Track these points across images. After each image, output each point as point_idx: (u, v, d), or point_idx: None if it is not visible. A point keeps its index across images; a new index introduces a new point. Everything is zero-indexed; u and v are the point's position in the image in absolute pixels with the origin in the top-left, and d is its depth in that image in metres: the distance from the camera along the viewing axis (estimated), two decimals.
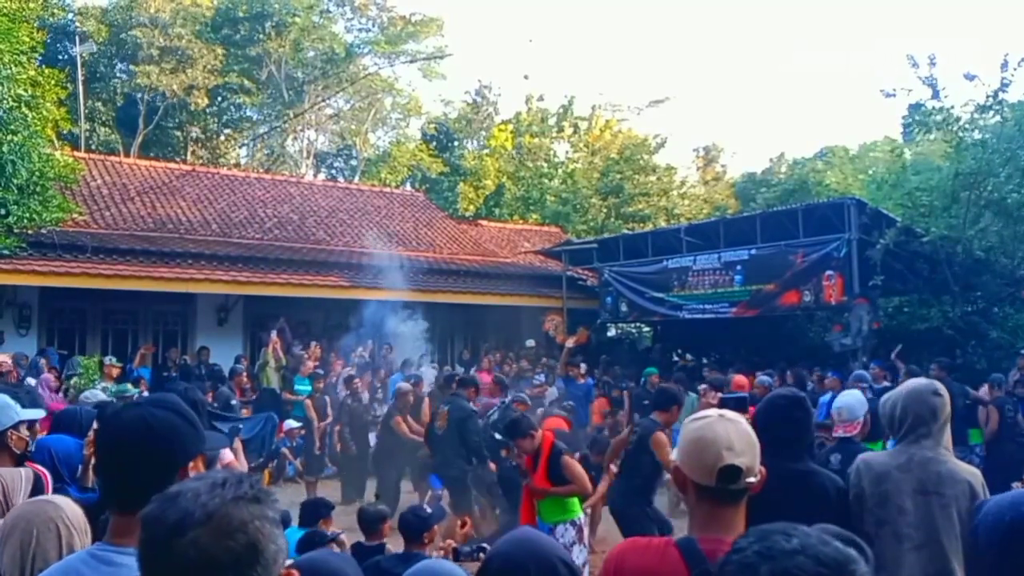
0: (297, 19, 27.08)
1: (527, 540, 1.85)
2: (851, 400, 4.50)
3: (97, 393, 5.84)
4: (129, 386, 8.71)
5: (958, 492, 2.87)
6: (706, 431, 1.91)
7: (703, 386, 10.58)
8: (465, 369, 13.61)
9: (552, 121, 33.58)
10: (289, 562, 1.23)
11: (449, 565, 2.14)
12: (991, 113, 12.99)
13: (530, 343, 15.28)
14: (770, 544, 1.17)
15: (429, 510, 3.99)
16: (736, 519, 1.87)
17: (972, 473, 2.97)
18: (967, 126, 13.08)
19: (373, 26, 31.48)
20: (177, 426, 1.70)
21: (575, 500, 5.51)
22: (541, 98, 33.88)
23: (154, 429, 1.66)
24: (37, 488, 2.58)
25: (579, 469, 5.47)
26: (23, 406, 3.03)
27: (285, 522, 4.13)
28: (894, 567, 2.88)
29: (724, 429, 1.92)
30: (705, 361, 14.90)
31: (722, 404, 4.49)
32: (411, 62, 30.82)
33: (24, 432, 2.88)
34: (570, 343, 13.79)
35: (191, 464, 1.69)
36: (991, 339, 11.73)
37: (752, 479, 1.87)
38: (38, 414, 3.01)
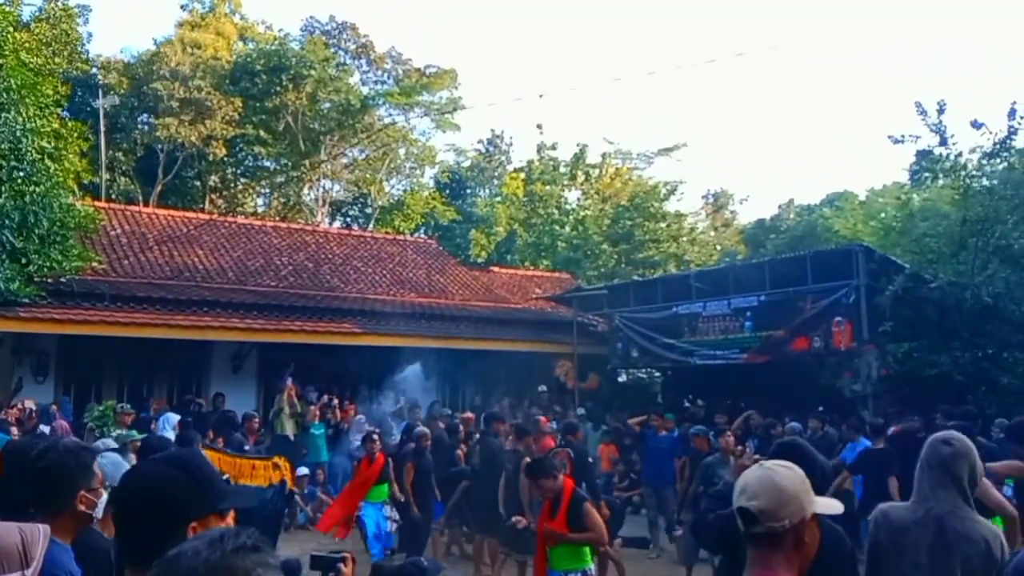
0: (313, 72, 27.70)
1: None
2: None
3: (108, 442, 5.91)
4: (135, 433, 8.75)
5: (972, 552, 2.84)
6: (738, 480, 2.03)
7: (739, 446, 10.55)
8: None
9: (563, 169, 34.01)
10: None
11: None
12: (998, 160, 13.12)
13: (542, 389, 15.30)
14: None
15: (425, 563, 3.99)
16: (773, 561, 1.89)
17: (991, 532, 2.93)
18: (975, 172, 13.18)
19: (388, 78, 32.19)
20: (181, 483, 1.74)
21: (587, 550, 5.52)
22: (553, 147, 34.37)
23: (155, 486, 1.74)
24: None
25: (598, 518, 5.48)
26: None
27: (296, 570, 4.17)
28: None
29: (747, 476, 2.00)
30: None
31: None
32: (425, 114, 31.37)
33: (97, 500, 2.41)
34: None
35: (206, 521, 1.71)
36: (1002, 385, 11.66)
37: (775, 523, 1.88)
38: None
